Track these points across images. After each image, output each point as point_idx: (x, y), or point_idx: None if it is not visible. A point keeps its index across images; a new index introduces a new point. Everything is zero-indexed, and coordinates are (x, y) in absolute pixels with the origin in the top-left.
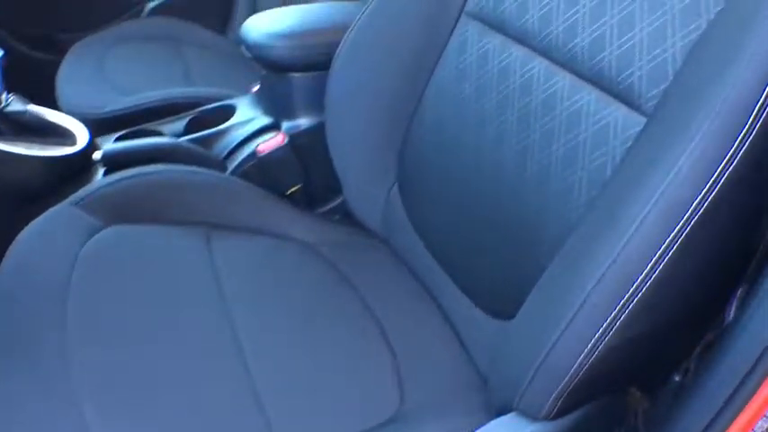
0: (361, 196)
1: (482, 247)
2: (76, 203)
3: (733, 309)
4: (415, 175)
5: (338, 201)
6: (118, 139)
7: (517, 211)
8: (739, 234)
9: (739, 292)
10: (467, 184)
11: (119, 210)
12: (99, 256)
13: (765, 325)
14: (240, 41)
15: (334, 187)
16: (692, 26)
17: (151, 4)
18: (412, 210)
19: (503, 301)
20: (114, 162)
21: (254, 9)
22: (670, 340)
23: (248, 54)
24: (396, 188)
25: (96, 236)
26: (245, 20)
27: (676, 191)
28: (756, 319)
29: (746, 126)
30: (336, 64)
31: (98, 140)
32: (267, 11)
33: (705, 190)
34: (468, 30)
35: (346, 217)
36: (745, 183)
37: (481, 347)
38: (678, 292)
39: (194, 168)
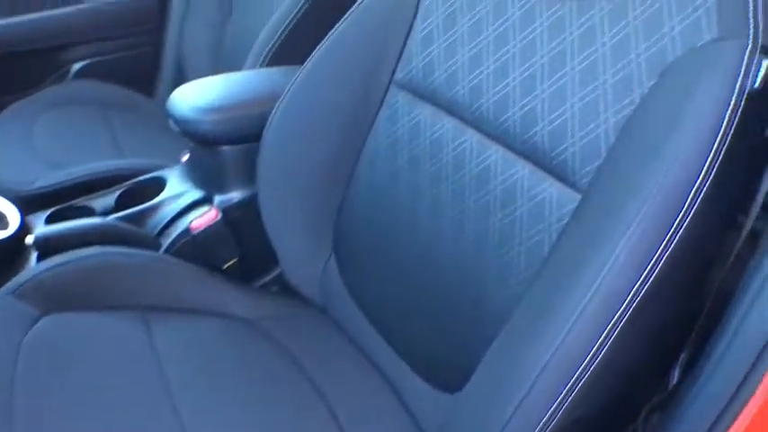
0: (298, 267)
1: (424, 318)
2: (12, 292)
3: (677, 373)
4: (352, 245)
5: (276, 272)
6: (49, 218)
7: (457, 283)
8: (680, 307)
9: (682, 356)
10: (404, 255)
11: (56, 297)
12: (40, 347)
13: (719, 389)
14: (166, 106)
15: (271, 259)
16: (626, 101)
17: (77, 66)
18: (349, 280)
19: (448, 373)
20: (47, 246)
21: (179, 71)
22: (618, 412)
23: (176, 128)
24: (333, 258)
25: (36, 326)
26: (170, 81)
27: (614, 280)
28: (711, 384)
29: (683, 209)
30: (267, 135)
31: (30, 219)
32: (193, 81)
33: (644, 276)
34: (398, 100)
35: (284, 288)
36: (684, 262)
37: (429, 419)
38: (622, 371)
39: (128, 250)
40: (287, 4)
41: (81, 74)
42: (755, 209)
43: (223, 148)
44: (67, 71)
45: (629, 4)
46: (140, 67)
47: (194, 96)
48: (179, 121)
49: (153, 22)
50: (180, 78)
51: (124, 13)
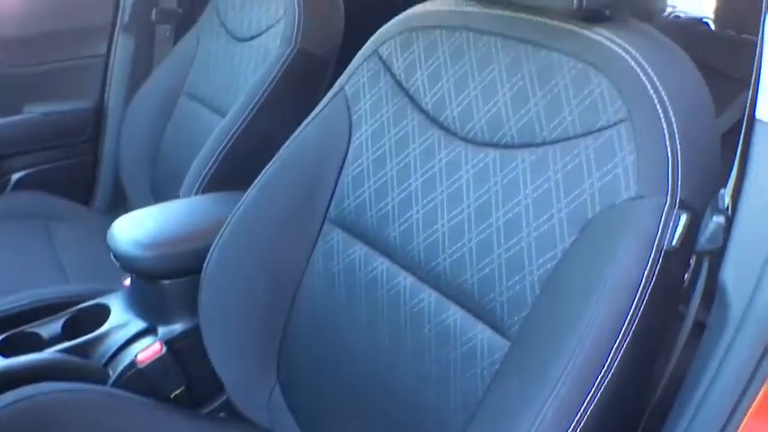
0: (244, 395)
1: None
2: None
3: None
4: (295, 377)
5: (223, 398)
6: None
7: (399, 416)
8: None
9: None
10: (347, 388)
11: None
12: None
13: None
14: (106, 240)
15: (218, 385)
16: (548, 255)
17: (16, 176)
18: (295, 408)
19: None
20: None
21: (116, 181)
22: None
23: (116, 263)
24: (278, 386)
25: None
26: (108, 191)
27: None
28: None
29: (605, 366)
30: (207, 269)
31: None
32: (131, 213)
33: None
34: (333, 237)
35: (232, 413)
36: (611, 410)
37: None
38: None
39: (77, 386)
40: (222, 126)
41: (20, 183)
42: (693, 312)
43: (164, 282)
44: (8, 181)
45: (549, 157)
46: (79, 176)
47: (133, 231)
48: (118, 257)
49: (90, 132)
50: (117, 189)
51: (61, 124)
